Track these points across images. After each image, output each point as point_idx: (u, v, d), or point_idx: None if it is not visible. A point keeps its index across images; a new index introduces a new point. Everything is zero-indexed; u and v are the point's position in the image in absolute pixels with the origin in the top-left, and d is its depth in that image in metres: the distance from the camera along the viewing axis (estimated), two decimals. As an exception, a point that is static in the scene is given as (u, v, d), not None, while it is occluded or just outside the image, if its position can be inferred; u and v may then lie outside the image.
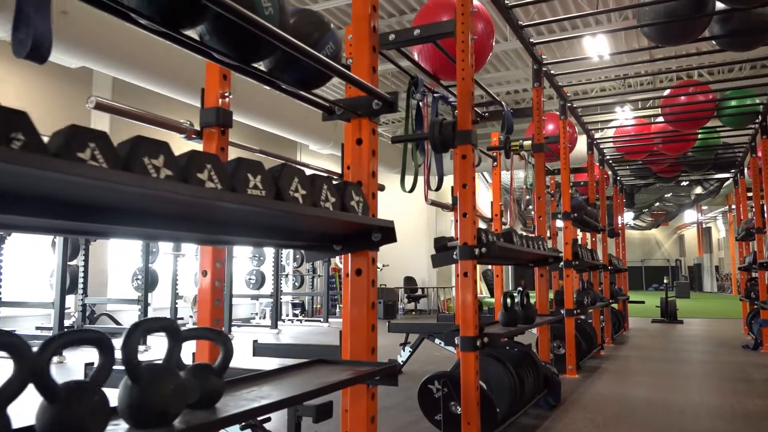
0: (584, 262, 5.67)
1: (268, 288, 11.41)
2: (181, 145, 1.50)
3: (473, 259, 2.90)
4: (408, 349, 5.42)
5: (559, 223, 5.55)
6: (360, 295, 1.95)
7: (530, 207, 7.63)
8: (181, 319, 9.62)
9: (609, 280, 7.73)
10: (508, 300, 3.52)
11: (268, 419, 2.61)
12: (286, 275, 12.24)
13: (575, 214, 5.47)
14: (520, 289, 3.91)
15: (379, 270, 12.30)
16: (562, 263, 5.42)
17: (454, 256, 2.96)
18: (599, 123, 8.66)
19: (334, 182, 1.74)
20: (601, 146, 7.94)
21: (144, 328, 1.18)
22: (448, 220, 17.27)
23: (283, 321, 11.51)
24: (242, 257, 11.56)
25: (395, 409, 4.00)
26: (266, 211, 1.43)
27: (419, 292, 14.78)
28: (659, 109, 7.32)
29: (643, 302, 11.19)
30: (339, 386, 1.69)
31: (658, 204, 27.55)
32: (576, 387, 4.75)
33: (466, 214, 2.93)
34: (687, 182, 22.73)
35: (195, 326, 1.38)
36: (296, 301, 12.55)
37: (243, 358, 6.23)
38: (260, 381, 1.66)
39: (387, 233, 1.91)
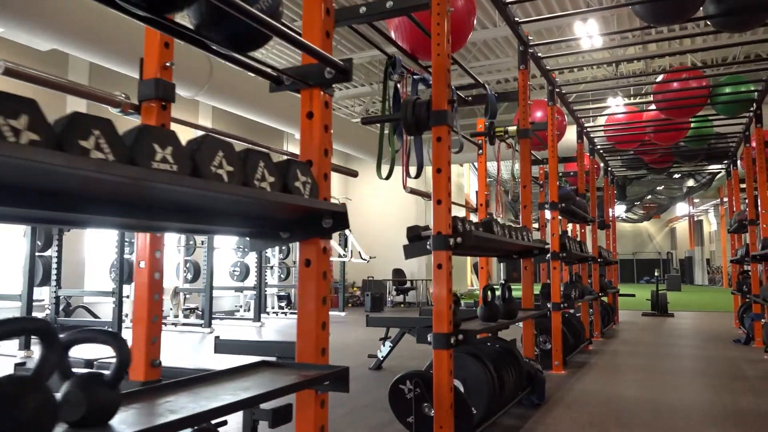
0: (572, 254, 5.46)
1: (252, 280, 11.18)
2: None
3: (447, 249, 2.67)
4: (388, 344, 5.21)
5: (549, 215, 5.34)
6: (309, 289, 1.72)
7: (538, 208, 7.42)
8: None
9: (598, 272, 7.54)
10: (489, 293, 3.30)
11: (224, 422, 2.40)
12: (271, 267, 11.99)
13: (563, 205, 5.26)
14: (502, 281, 3.69)
15: (366, 262, 12.13)
16: (549, 255, 5.22)
17: (428, 247, 2.73)
18: (590, 112, 8.45)
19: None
20: (592, 135, 7.73)
21: (5, 330, 0.95)
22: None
23: (268, 314, 11.28)
24: (226, 248, 11.30)
25: (371, 408, 3.79)
26: (181, 189, 1.20)
27: (408, 285, 14.57)
28: (651, 98, 7.12)
29: (633, 295, 11.02)
30: (277, 394, 1.46)
31: (650, 197, 27.51)
32: (562, 384, 4.55)
33: (441, 201, 2.71)
34: (679, 175, 22.65)
35: (86, 328, 1.15)
36: (282, 293, 12.32)
37: (204, 356, 6.02)
38: (183, 388, 1.43)
39: (339, 219, 1.68)
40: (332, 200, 1.77)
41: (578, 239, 6.58)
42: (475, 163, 19.43)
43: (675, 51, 8.81)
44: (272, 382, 1.57)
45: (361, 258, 11.67)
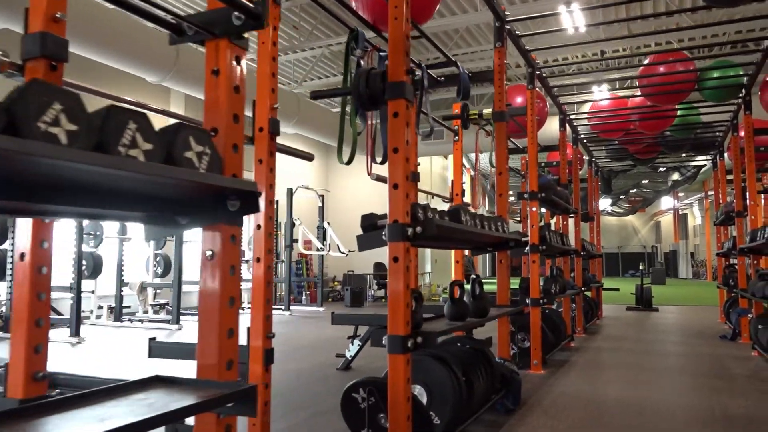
0: (553, 247, 5.17)
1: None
2: None
3: (405, 240, 2.35)
4: (357, 342, 4.89)
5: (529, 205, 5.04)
6: (211, 287, 1.39)
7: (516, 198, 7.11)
8: (128, 307, 8.99)
9: (581, 266, 7.27)
10: (457, 290, 2.98)
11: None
12: (245, 261, 11.61)
13: (543, 194, 4.96)
14: (473, 276, 3.39)
15: (344, 255, 11.80)
16: (527, 248, 4.92)
17: (384, 237, 2.41)
18: (574, 99, 8.16)
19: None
20: (575, 124, 7.45)
21: None
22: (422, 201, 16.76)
23: (243, 310, 10.92)
24: (199, 240, 10.91)
25: (334, 413, 3.47)
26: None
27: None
28: (637, 86, 6.84)
29: (617, 289, 10.80)
30: (155, 423, 1.13)
31: (635, 190, 27.44)
32: (540, 385, 4.26)
33: (398, 185, 2.38)
34: (664, 168, 22.59)
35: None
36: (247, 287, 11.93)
37: (137, 361, 5.62)
38: (49, 411, 1.10)
39: (247, 200, 1.35)
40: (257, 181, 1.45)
41: (560, 232, 6.29)
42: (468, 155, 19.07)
43: (660, 30, 8.51)
44: (158, 404, 1.24)
45: (340, 251, 11.34)
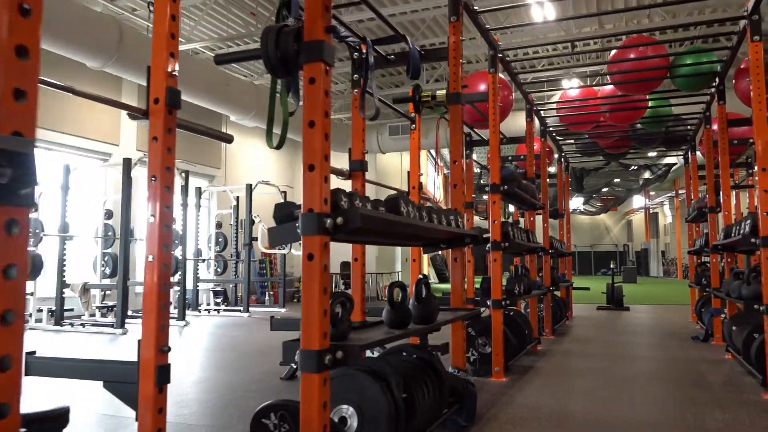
0: (517, 244, 4.79)
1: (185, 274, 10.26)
2: None
3: (323, 233, 1.92)
4: (302, 349, 4.43)
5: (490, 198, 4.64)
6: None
7: (478, 192, 6.73)
8: (71, 310, 8.40)
9: (550, 265, 6.92)
10: (395, 293, 2.56)
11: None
12: (203, 260, 11.07)
13: (505, 187, 4.57)
14: (421, 276, 2.97)
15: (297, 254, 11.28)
16: (489, 245, 4.53)
17: (297, 229, 1.97)
18: (545, 96, 7.82)
19: None
20: (543, 115, 7.10)
21: None
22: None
23: (199, 312, 10.39)
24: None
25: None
26: None
27: (357, 279, 13.80)
28: (607, 77, 6.52)
29: (588, 288, 10.53)
30: None
31: (607, 189, 27.48)
32: (500, 396, 3.87)
33: (314, 166, 1.95)
34: (636, 167, 22.61)
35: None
36: (218, 288, 11.42)
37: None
38: None
39: (18, 166, 0.90)
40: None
41: (527, 229, 5.93)
42: (432, 150, 18.71)
43: (632, 24, 8.24)
44: None
45: (302, 250, 10.84)
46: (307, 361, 1.88)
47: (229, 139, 2.99)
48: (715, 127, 6.91)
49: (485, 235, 4.62)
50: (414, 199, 4.73)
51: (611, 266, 11.77)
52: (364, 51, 3.38)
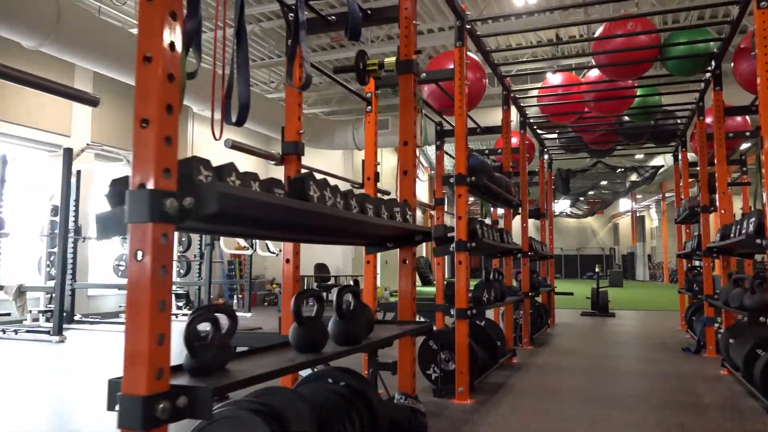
0: (488, 244, 4.17)
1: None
2: None
3: (159, 220, 1.28)
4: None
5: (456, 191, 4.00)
6: None
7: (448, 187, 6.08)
8: (8, 315, 7.67)
9: (529, 268, 6.32)
10: (299, 304, 1.93)
11: None
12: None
13: (473, 178, 3.95)
14: (352, 282, 2.34)
15: (275, 255, 10.66)
16: (453, 245, 3.91)
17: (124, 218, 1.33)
18: (528, 94, 7.22)
19: None
20: (522, 104, 6.49)
21: None
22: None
23: (156, 316, 9.65)
24: (110, 240, 9.65)
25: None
26: None
27: (332, 281, 13.13)
28: (592, 59, 5.93)
29: (571, 294, 9.95)
30: None
31: (593, 192, 27.11)
32: (462, 423, 3.25)
33: (148, 120, 1.31)
34: (622, 169, 22.25)
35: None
36: (181, 291, 10.71)
37: None
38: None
39: None
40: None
41: (503, 228, 5.32)
42: (424, 156, 17.99)
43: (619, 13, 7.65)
44: None
45: (269, 251, 10.19)
46: (129, 413, 1.24)
47: (94, 102, 2.35)
48: (708, 120, 6.36)
49: (450, 234, 4.01)
50: (369, 191, 4.11)
51: (596, 270, 11.19)
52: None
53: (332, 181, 2.48)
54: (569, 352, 6.08)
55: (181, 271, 10.89)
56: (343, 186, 2.42)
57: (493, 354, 4.46)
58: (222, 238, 10.08)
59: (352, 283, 13.19)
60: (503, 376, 4.66)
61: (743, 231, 3.72)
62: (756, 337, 3.91)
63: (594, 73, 6.05)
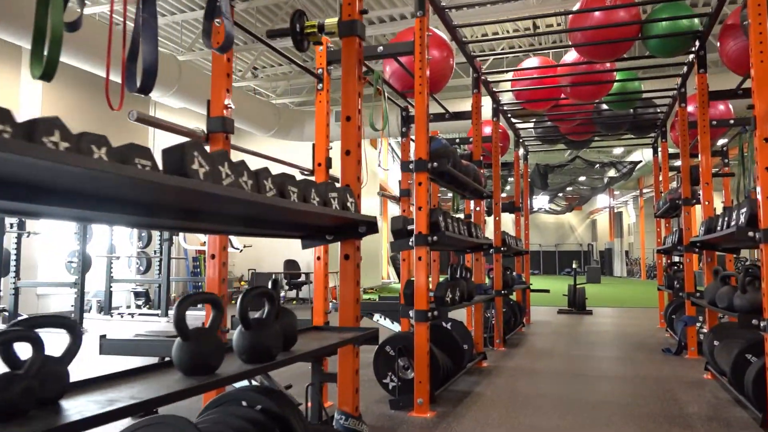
0: (452, 238, 3.75)
1: (97, 273, 9.02)
2: None
3: None
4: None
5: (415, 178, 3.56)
6: None
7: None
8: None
9: (501, 265, 5.93)
10: (180, 311, 1.48)
11: None
12: (118, 257, 9.79)
13: (435, 164, 3.53)
14: (272, 279, 1.93)
15: (238, 251, 10.16)
16: (412, 240, 3.49)
17: None
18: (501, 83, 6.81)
19: None
20: (493, 88, 6.08)
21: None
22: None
23: (111, 316, 9.13)
24: (64, 233, 9.08)
25: None
26: None
27: (303, 278, 12.63)
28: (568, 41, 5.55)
29: (547, 291, 9.62)
30: None
31: (571, 188, 27.00)
32: (416, 444, 2.83)
33: None
34: (600, 164, 22.11)
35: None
36: (140, 289, 10.17)
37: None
38: None
39: None
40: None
41: (472, 221, 4.92)
42: (391, 141, 17.62)
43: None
44: None
45: (233, 247, 9.69)
46: None
47: None
48: (690, 108, 6.03)
49: (410, 227, 3.59)
50: (320, 179, 3.67)
51: (573, 266, 10.87)
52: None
53: (289, 171, 2.06)
54: (544, 353, 5.71)
55: (141, 268, 10.35)
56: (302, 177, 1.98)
57: (459, 359, 4.05)
58: (182, 234, 9.55)
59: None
60: (471, 382, 4.26)
61: (732, 223, 3.35)
62: (744, 340, 3.55)
63: (571, 57, 5.66)
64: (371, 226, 2.40)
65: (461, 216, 6.59)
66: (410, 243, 3.50)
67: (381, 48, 3.68)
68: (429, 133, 3.55)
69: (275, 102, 12.42)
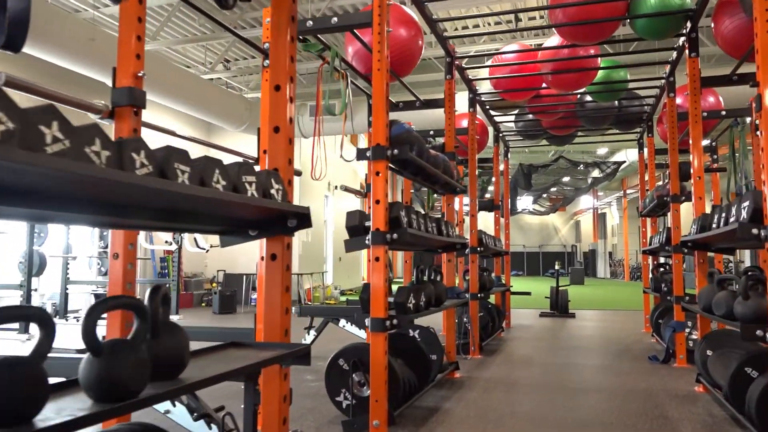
0: (417, 237, 3.31)
1: (52, 274, 8.47)
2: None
3: None
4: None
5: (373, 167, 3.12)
6: None
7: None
8: None
9: (478, 266, 5.51)
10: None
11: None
12: (74, 257, 9.22)
13: (395, 151, 3.08)
14: (153, 286, 1.46)
15: (204, 251, 9.64)
16: (368, 238, 3.05)
17: None
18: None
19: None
20: (468, 75, 5.65)
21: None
22: (319, 192, 14.77)
23: (66, 320, 8.57)
24: (13, 232, 8.52)
25: None
26: None
27: (277, 280, 12.10)
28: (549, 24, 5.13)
29: (528, 293, 9.23)
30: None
31: (555, 189, 26.78)
32: (364, 479, 2.38)
33: None
34: (583, 165, 21.91)
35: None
36: (101, 291, 9.60)
37: None
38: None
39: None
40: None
41: (444, 219, 4.49)
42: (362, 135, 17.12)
43: None
44: None
45: (198, 246, 9.18)
46: None
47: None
48: (679, 100, 5.66)
49: (367, 223, 3.15)
50: (263, 165, 3.20)
51: (555, 267, 10.50)
52: None
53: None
54: (523, 361, 5.29)
55: (103, 269, 9.78)
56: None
57: (425, 372, 3.61)
58: (143, 233, 9.02)
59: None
60: (439, 397, 3.82)
61: (731, 219, 2.94)
62: (744, 351, 3.15)
63: (553, 42, 5.25)
64: (303, 219, 1.95)
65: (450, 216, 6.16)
66: (366, 241, 3.05)
67: (335, 19, 3.23)
68: (388, 116, 3.11)
69: (248, 96, 11.90)
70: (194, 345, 1.62)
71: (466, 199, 6.21)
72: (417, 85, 10.49)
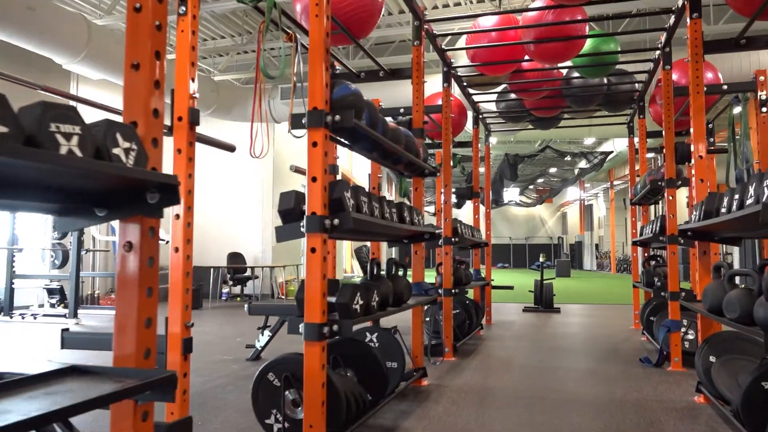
0: (367, 223, 2.73)
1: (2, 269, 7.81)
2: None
3: None
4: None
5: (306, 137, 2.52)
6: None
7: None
8: None
9: (452, 258, 4.95)
10: None
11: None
12: (20, 249, 8.55)
13: (336, 117, 2.49)
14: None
15: (165, 243, 9.04)
16: (303, 224, 2.46)
17: None
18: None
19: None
20: (441, 44, 5.06)
21: None
22: (296, 180, 14.10)
23: (11, 317, 7.92)
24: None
25: None
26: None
27: (248, 273, 11.49)
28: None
29: (511, 288, 8.70)
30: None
31: (542, 180, 26.35)
32: None
33: None
34: (570, 156, 21.54)
35: None
36: (54, 285, 8.95)
37: None
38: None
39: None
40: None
41: (408, 204, 3.91)
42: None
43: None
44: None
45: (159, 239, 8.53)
46: None
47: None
48: (674, 77, 5.12)
49: (304, 207, 2.57)
50: (180, 139, 2.62)
51: (540, 260, 9.98)
52: None
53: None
54: (501, 365, 4.74)
55: (56, 261, 9.12)
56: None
57: (381, 385, 3.03)
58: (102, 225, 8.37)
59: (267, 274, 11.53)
60: (398, 412, 3.25)
61: (749, 202, 2.39)
62: (759, 361, 2.61)
63: (537, 3, 4.66)
64: (168, 191, 1.36)
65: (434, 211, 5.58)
66: (302, 228, 2.47)
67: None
68: (329, 74, 2.51)
69: (216, 79, 11.23)
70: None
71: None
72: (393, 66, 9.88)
